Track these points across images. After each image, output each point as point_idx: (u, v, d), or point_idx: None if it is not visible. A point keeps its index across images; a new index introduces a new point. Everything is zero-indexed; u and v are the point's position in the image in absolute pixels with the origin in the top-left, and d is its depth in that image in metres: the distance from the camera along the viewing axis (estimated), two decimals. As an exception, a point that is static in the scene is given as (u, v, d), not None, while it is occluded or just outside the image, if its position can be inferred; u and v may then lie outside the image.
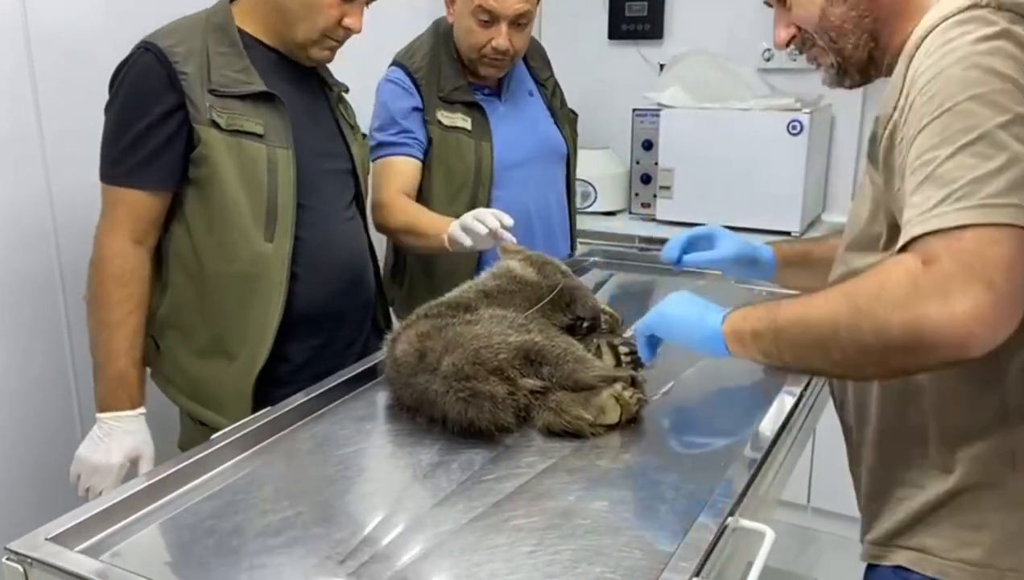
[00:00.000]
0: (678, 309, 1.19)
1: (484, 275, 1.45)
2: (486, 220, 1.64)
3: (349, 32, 1.55)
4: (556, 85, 2.19)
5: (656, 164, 2.76)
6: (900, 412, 1.07)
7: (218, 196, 1.46)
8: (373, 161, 1.94)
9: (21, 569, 0.90)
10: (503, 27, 1.87)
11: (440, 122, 1.94)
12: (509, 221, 1.64)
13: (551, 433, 1.19)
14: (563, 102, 2.20)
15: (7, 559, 0.91)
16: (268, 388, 1.51)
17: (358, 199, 1.70)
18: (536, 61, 2.15)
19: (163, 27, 1.50)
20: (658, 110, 2.75)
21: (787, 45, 1.16)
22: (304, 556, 0.95)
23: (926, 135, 0.89)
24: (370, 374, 1.39)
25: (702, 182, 2.70)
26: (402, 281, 2.10)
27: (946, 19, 0.92)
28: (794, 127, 2.56)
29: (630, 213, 2.92)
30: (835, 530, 1.01)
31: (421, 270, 2.04)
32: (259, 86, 1.49)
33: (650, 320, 1.23)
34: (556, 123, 2.12)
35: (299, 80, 1.61)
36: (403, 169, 1.94)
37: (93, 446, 1.46)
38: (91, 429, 1.49)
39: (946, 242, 0.84)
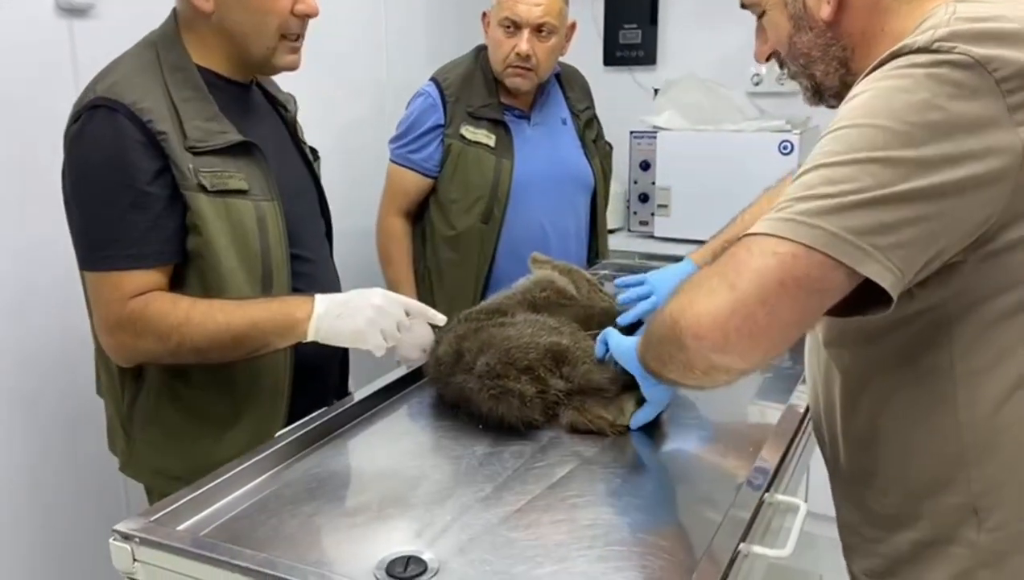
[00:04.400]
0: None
1: (526, 283, 1.56)
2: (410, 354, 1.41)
3: (306, 20, 1.38)
4: (593, 118, 2.31)
5: (653, 183, 2.88)
6: (863, 456, 1.04)
7: (213, 266, 1.32)
8: (390, 161, 2.16)
9: (129, 548, 0.98)
10: (525, 33, 2.02)
11: (462, 136, 2.08)
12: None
13: (575, 430, 1.28)
14: (599, 135, 2.33)
15: (114, 539, 0.99)
16: None
17: (328, 232, 1.62)
18: (575, 92, 2.28)
19: (113, 75, 1.30)
20: (654, 132, 2.87)
21: (766, 61, 1.14)
22: (383, 531, 1.04)
23: (817, 146, 0.90)
24: (416, 376, 1.48)
25: (698, 200, 2.82)
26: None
27: (904, 54, 0.85)
28: (785, 147, 2.69)
29: (629, 230, 3.03)
30: (833, 534, 1.07)
31: (436, 279, 2.20)
32: (235, 136, 1.33)
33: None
34: (586, 153, 2.24)
35: (259, 112, 1.48)
36: (408, 188, 2.15)
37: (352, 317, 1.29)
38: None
39: (745, 244, 0.86)
